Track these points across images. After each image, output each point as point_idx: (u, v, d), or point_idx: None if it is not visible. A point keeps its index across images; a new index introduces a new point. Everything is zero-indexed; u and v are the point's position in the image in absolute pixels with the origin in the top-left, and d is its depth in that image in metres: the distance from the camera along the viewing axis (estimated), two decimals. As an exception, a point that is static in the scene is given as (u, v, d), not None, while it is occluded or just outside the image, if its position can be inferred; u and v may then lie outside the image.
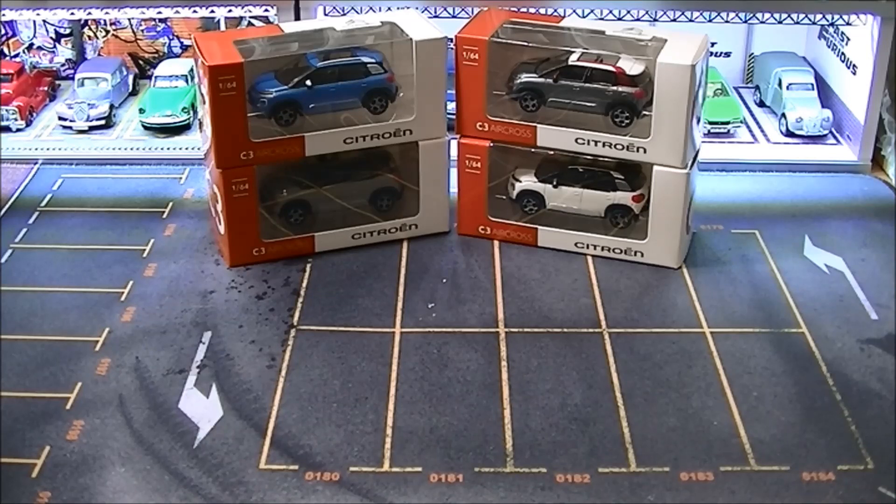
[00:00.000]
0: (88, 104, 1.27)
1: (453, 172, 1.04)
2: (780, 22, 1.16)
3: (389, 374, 0.84)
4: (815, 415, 0.80)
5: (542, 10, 1.11)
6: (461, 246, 1.04)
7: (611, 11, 1.14)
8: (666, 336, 0.89)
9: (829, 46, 1.29)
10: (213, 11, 1.22)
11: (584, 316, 0.92)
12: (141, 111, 1.26)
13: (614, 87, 0.97)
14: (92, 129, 1.26)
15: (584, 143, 0.98)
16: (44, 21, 1.37)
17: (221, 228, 0.99)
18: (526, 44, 1.00)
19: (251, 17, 1.31)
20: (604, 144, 0.97)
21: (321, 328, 0.90)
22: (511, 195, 1.04)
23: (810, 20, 1.17)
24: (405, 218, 1.04)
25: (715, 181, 1.16)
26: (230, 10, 1.20)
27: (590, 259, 1.01)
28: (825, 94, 1.27)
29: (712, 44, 1.31)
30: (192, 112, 1.26)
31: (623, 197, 1.01)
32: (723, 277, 0.98)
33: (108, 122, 1.27)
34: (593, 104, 0.98)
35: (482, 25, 1.00)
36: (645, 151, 0.96)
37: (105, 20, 1.38)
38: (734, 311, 0.93)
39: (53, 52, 1.40)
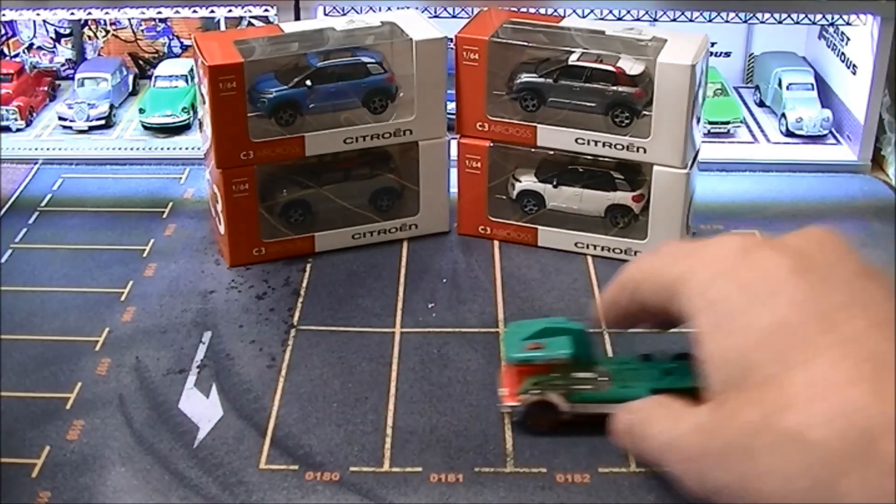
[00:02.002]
0: (88, 104, 1.27)
1: (453, 172, 1.04)
2: (780, 22, 1.16)
3: (389, 374, 0.84)
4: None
5: (542, 10, 1.11)
6: (461, 246, 1.04)
7: (611, 11, 1.14)
8: (666, 336, 0.89)
9: (829, 46, 1.29)
10: (213, 11, 1.22)
11: (584, 316, 0.91)
12: (141, 111, 1.26)
13: (614, 87, 0.97)
14: (92, 129, 1.26)
15: (584, 143, 0.98)
16: (44, 21, 1.37)
17: (221, 228, 0.99)
18: (526, 44, 1.00)
19: (251, 17, 1.31)
20: (604, 144, 0.98)
21: (321, 328, 0.90)
22: (511, 195, 1.04)
23: (810, 20, 1.17)
24: (405, 218, 1.04)
25: (715, 181, 1.16)
26: (230, 10, 1.20)
27: (590, 259, 1.01)
28: (825, 94, 1.27)
29: (712, 44, 1.31)
30: (192, 112, 1.26)
31: (623, 197, 1.01)
32: (723, 277, 0.98)
33: (108, 122, 1.27)
34: (593, 104, 0.98)
35: (482, 25, 1.01)
36: (645, 151, 0.96)
37: (105, 20, 1.38)
38: (734, 311, 0.93)
39: (53, 52, 1.40)
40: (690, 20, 1.16)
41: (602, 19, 1.14)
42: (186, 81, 1.29)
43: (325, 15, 1.15)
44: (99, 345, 0.88)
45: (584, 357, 0.69)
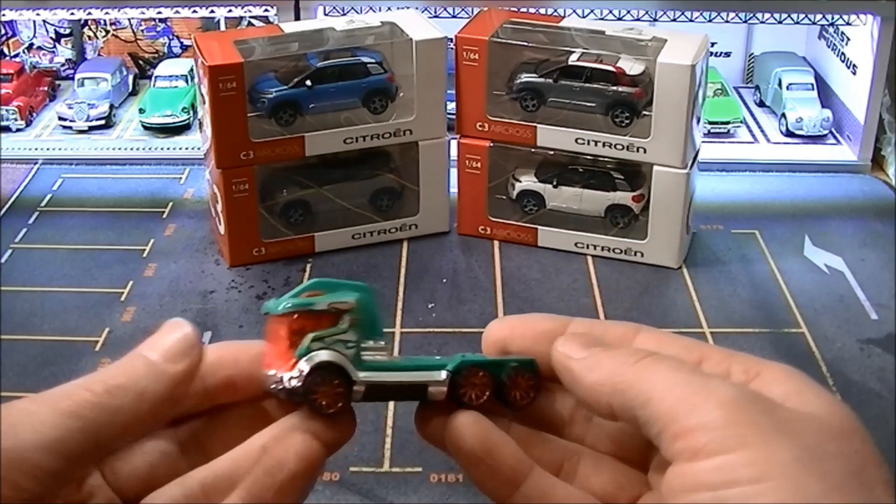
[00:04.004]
0: (88, 104, 1.27)
1: (453, 172, 1.04)
2: (780, 22, 1.16)
3: (389, 374, 0.84)
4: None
5: (542, 10, 1.11)
6: (461, 246, 1.04)
7: (611, 11, 1.14)
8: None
9: (829, 46, 1.29)
10: (213, 11, 1.22)
11: (584, 316, 0.91)
12: (141, 111, 1.26)
13: (614, 87, 0.97)
14: (92, 129, 1.26)
15: (584, 143, 0.98)
16: (44, 21, 1.37)
17: (221, 228, 0.99)
18: (526, 44, 1.00)
19: (251, 17, 1.31)
20: (604, 144, 0.97)
21: (321, 328, 0.90)
22: (511, 195, 1.04)
23: (810, 20, 1.17)
24: (405, 218, 1.04)
25: (715, 181, 1.16)
26: (230, 10, 1.20)
27: (590, 259, 1.01)
28: (825, 94, 1.27)
29: (712, 44, 1.31)
30: (192, 112, 1.26)
31: (623, 197, 1.01)
32: (723, 277, 0.98)
33: (108, 122, 1.27)
34: (593, 104, 0.98)
35: (482, 25, 1.00)
36: (645, 151, 0.96)
37: (105, 20, 1.38)
38: (734, 311, 0.93)
39: (53, 52, 1.40)
40: (690, 20, 1.16)
41: (602, 19, 1.14)
42: (186, 81, 1.29)
43: (325, 15, 1.15)
44: (99, 345, 0.88)
45: (371, 319, 0.48)
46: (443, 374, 0.47)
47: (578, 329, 0.47)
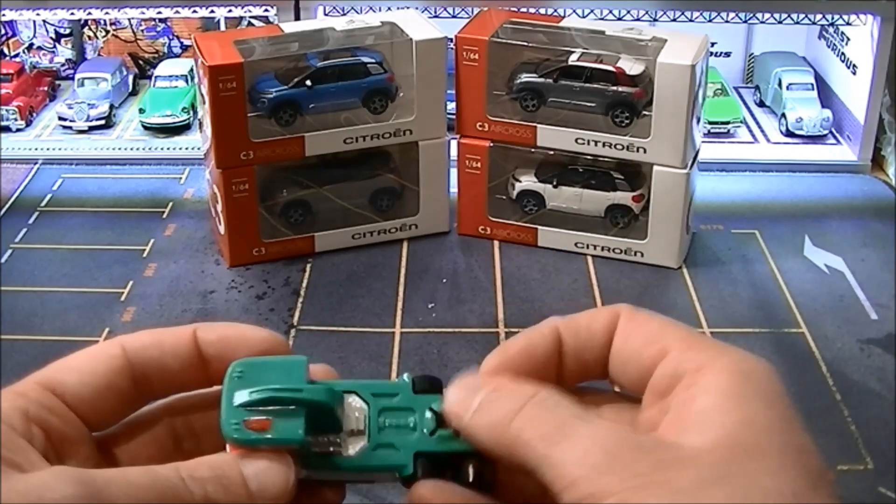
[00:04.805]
0: (88, 104, 1.27)
1: (453, 172, 1.04)
2: (780, 22, 1.16)
3: (389, 374, 0.84)
4: (815, 415, 0.80)
5: (542, 10, 1.11)
6: (461, 246, 1.04)
7: (611, 11, 1.14)
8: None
9: (829, 46, 1.29)
10: (213, 11, 1.22)
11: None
12: (141, 111, 1.26)
13: (614, 87, 0.97)
14: (92, 129, 1.26)
15: (584, 143, 0.98)
16: (44, 21, 1.37)
17: (221, 228, 0.99)
18: (526, 44, 1.00)
19: (251, 17, 1.31)
20: (604, 144, 0.98)
21: (321, 328, 0.90)
22: (511, 195, 1.04)
23: (810, 20, 1.17)
24: (405, 218, 1.04)
25: (715, 181, 1.16)
26: (230, 10, 1.20)
27: (590, 259, 1.01)
28: (825, 94, 1.27)
29: (712, 44, 1.31)
30: (192, 112, 1.26)
31: (623, 197, 1.01)
32: (723, 277, 0.98)
33: (108, 122, 1.27)
34: (593, 104, 0.98)
35: (482, 25, 1.01)
36: (645, 151, 0.96)
37: (105, 20, 1.38)
38: (734, 311, 0.93)
39: (53, 52, 1.40)
40: (690, 20, 1.16)
41: (602, 19, 1.14)
42: (186, 81, 1.29)
43: (325, 15, 1.15)
44: (99, 345, 0.88)
45: (325, 420, 0.46)
46: (395, 475, 0.46)
47: (565, 329, 0.45)
